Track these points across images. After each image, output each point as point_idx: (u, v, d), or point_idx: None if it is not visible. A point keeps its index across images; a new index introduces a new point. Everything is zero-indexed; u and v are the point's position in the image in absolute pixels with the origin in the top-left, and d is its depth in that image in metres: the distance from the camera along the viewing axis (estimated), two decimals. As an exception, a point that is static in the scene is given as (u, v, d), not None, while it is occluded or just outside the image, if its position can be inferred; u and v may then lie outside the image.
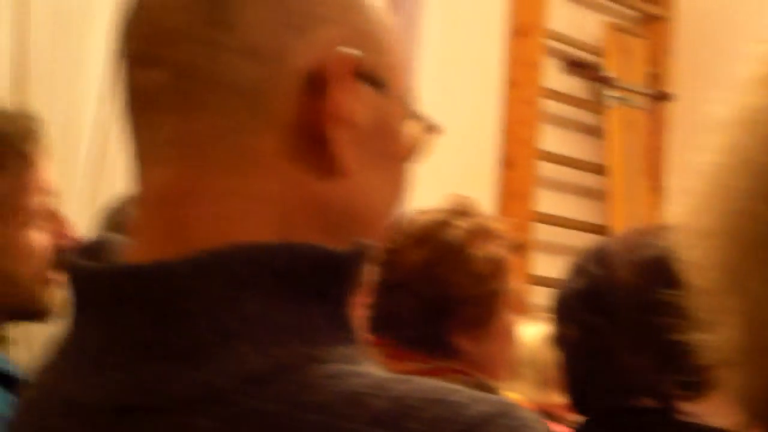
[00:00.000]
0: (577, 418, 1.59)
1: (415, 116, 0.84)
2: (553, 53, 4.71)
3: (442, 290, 1.79)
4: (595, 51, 4.89)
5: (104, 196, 3.08)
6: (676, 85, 5.06)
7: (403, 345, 1.79)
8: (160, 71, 0.76)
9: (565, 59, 4.79)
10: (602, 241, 1.63)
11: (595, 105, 4.90)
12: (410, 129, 0.84)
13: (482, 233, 1.84)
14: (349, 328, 0.75)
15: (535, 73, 4.50)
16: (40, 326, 2.63)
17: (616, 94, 4.88)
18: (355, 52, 0.76)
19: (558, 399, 2.71)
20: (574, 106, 4.82)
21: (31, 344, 2.86)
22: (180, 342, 0.71)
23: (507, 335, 1.90)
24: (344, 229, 0.78)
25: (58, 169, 1.81)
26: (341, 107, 0.75)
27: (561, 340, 1.58)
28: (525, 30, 4.49)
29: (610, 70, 4.88)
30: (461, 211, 1.87)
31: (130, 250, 0.79)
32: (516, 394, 2.58)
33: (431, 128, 0.86)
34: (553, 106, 4.67)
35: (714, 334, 0.64)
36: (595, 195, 4.87)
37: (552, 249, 4.36)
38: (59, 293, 1.62)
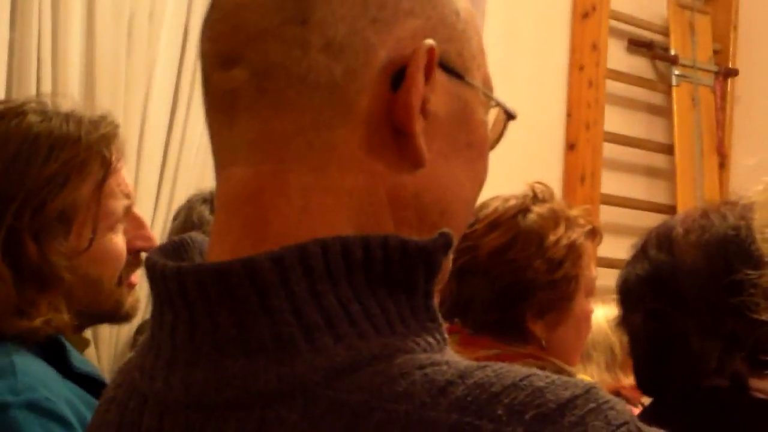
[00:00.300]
0: (647, 399, 1.60)
1: (494, 104, 0.85)
2: (617, 34, 4.68)
3: (517, 275, 1.80)
4: (659, 30, 4.85)
5: (176, 199, 3.14)
6: (741, 60, 5.01)
7: (477, 331, 1.80)
8: (241, 71, 0.77)
9: (630, 39, 4.76)
10: (662, 224, 1.62)
11: (660, 84, 4.87)
12: (489, 117, 0.84)
13: (558, 219, 1.84)
14: (433, 318, 0.75)
15: (600, 54, 4.47)
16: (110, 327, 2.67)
17: (681, 72, 4.84)
18: (435, 43, 0.76)
19: (627, 381, 2.72)
20: (640, 86, 4.79)
21: (99, 344, 2.93)
22: (264, 337, 0.71)
23: (582, 320, 1.89)
24: (426, 220, 0.78)
25: (130, 173, 1.83)
26: (421, 99, 0.76)
27: (627, 325, 1.59)
28: (589, 11, 4.47)
29: (675, 48, 4.84)
30: (538, 197, 1.88)
31: (211, 249, 0.80)
32: (586, 376, 2.59)
33: (509, 116, 0.86)
34: (618, 87, 4.64)
35: None
36: (662, 174, 4.85)
37: (620, 230, 4.34)
38: (137, 295, 1.66)
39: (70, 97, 2.03)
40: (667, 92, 4.85)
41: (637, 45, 4.78)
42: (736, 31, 5.06)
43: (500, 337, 1.81)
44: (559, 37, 4.46)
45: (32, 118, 1.52)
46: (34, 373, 1.40)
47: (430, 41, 0.76)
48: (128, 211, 1.60)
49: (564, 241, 1.82)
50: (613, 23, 4.60)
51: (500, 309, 1.81)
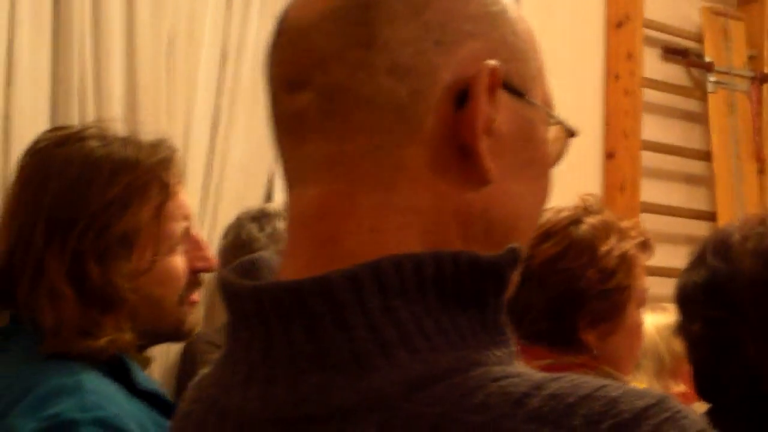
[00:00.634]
0: (699, 406, 1.60)
1: (555, 122, 0.86)
2: (652, 42, 4.67)
3: (570, 285, 1.81)
4: (694, 37, 4.84)
5: (219, 219, 3.16)
6: (777, 65, 5.00)
7: (530, 340, 1.80)
8: (309, 94, 0.79)
9: (664, 47, 4.76)
10: (719, 231, 1.62)
11: (696, 91, 4.85)
12: (551, 134, 0.86)
13: (610, 230, 1.86)
14: (503, 331, 0.77)
15: (635, 63, 4.47)
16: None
17: (717, 78, 4.83)
18: (497, 63, 0.78)
19: (677, 388, 2.72)
20: (675, 94, 4.78)
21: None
22: (340, 353, 0.73)
23: (634, 331, 1.90)
24: (492, 236, 0.80)
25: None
26: (485, 118, 0.77)
27: (686, 333, 1.59)
28: (623, 21, 4.48)
29: (709, 55, 4.82)
30: (590, 208, 1.89)
31: (284, 268, 0.81)
32: (637, 384, 2.59)
33: (570, 133, 0.88)
34: (654, 95, 4.63)
35: None
36: (701, 181, 4.83)
37: (660, 238, 4.32)
38: (197, 314, 1.68)
39: (129, 123, 2.06)
40: (703, 99, 4.84)
41: (671, 53, 4.77)
42: (771, 37, 5.05)
43: (552, 346, 1.82)
44: (594, 47, 4.47)
45: (93, 143, 1.55)
46: (101, 390, 1.43)
47: (492, 61, 0.78)
48: (187, 232, 1.63)
49: (616, 252, 1.82)
50: (648, 32, 4.60)
51: (553, 318, 1.82)
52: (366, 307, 0.73)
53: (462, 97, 0.77)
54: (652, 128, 4.59)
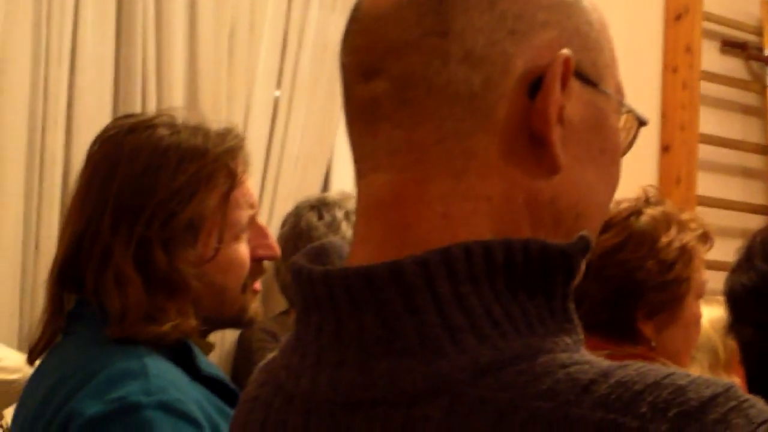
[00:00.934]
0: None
1: (626, 111, 0.86)
2: (711, 35, 4.65)
3: (629, 276, 1.81)
4: (753, 30, 4.80)
5: (276, 208, 3.19)
6: (836, 58, 4.95)
7: (587, 331, 1.79)
8: (383, 82, 0.79)
9: (723, 41, 4.73)
10: (765, 230, 1.60)
11: (754, 84, 4.82)
12: (622, 123, 0.86)
13: (670, 221, 1.86)
14: (570, 318, 0.77)
15: (694, 56, 4.45)
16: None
17: (776, 71, 4.80)
18: (571, 53, 0.79)
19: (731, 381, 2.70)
20: (734, 87, 4.75)
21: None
22: (409, 338, 0.73)
23: (691, 323, 1.90)
24: (562, 225, 0.80)
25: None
26: (558, 107, 0.78)
27: (738, 335, 1.58)
28: (682, 13, 4.45)
29: (768, 48, 4.80)
30: (650, 199, 1.89)
31: (353, 253, 0.82)
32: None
33: (641, 122, 0.88)
34: (712, 89, 4.61)
35: None
36: (758, 175, 4.80)
37: (716, 232, 4.29)
38: (258, 301, 1.69)
39: (198, 111, 2.07)
40: (762, 92, 4.80)
41: (730, 46, 4.74)
42: (830, 30, 5.00)
43: (609, 337, 1.82)
44: (652, 40, 4.45)
45: (162, 131, 1.56)
46: (165, 375, 1.45)
47: (566, 51, 0.79)
48: (252, 220, 1.64)
49: (676, 244, 1.82)
50: (706, 24, 4.57)
51: (611, 309, 1.82)
52: (436, 292, 0.73)
53: (535, 86, 0.78)
54: (710, 121, 4.56)
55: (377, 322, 0.75)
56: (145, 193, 1.52)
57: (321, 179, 3.38)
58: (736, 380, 1.68)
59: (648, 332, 1.84)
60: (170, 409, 1.39)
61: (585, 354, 0.75)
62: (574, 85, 0.80)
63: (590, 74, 0.82)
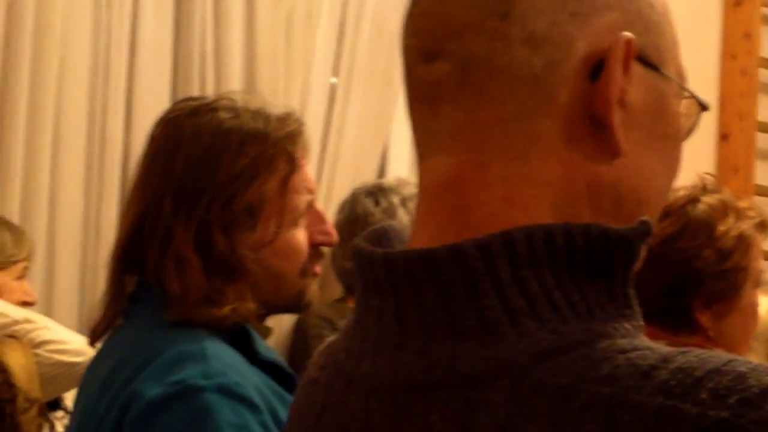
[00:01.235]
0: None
1: (688, 96, 0.86)
2: (771, 22, 4.60)
3: (686, 264, 1.80)
4: (814, 16, 4.75)
5: (334, 193, 3.20)
6: None
7: (644, 321, 1.79)
8: (444, 64, 0.79)
9: (784, 27, 4.67)
10: None
11: (815, 72, 4.76)
12: (683, 108, 0.85)
13: (728, 209, 1.85)
14: (630, 304, 0.76)
15: (753, 43, 4.40)
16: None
17: (837, 59, 4.73)
18: (633, 36, 0.78)
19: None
20: (794, 75, 4.70)
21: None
22: (470, 321, 0.73)
23: (749, 312, 1.89)
24: (622, 210, 0.80)
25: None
26: (619, 90, 0.77)
27: None
28: (741, 0, 4.41)
29: (830, 35, 4.73)
30: (707, 187, 1.88)
31: (414, 236, 0.82)
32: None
33: (703, 107, 0.87)
34: (771, 76, 4.56)
35: None
36: (817, 164, 4.74)
37: (774, 220, 4.25)
38: (315, 285, 1.69)
39: (260, 95, 2.08)
40: (822, 80, 4.74)
41: (791, 33, 4.68)
42: None
43: (666, 326, 1.82)
44: (710, 26, 4.40)
45: (223, 114, 1.57)
46: (225, 358, 1.46)
47: (628, 34, 0.78)
48: (310, 206, 1.64)
49: (734, 232, 1.81)
50: (766, 10, 4.51)
51: (668, 298, 1.81)
52: (497, 276, 0.73)
53: (596, 69, 0.77)
54: (769, 109, 4.51)
55: (438, 305, 0.75)
56: (206, 176, 1.53)
57: (377, 165, 3.39)
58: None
59: (705, 322, 1.82)
60: (229, 392, 1.40)
61: (644, 340, 0.75)
62: (636, 68, 0.79)
63: (652, 58, 0.81)
